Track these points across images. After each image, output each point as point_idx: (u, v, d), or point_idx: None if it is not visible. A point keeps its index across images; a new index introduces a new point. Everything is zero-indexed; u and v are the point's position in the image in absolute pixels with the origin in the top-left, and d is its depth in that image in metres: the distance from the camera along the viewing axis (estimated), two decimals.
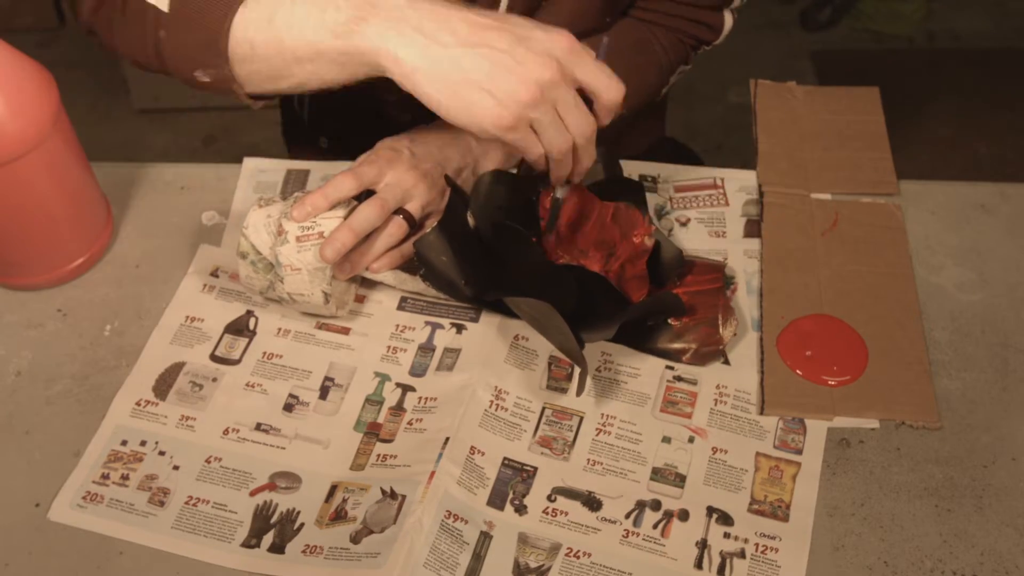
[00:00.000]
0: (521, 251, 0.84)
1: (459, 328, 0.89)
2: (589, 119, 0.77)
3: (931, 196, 0.99)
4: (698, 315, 0.88)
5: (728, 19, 1.05)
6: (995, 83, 2.45)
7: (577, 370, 0.86)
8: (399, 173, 0.86)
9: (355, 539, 0.76)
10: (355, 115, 1.09)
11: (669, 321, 0.88)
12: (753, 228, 0.96)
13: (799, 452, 0.81)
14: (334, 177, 0.85)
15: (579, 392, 0.83)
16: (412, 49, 0.73)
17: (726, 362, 0.87)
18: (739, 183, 1.00)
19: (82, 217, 0.93)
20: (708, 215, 0.98)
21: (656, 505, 0.78)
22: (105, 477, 0.80)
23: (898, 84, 1.10)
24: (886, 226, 0.96)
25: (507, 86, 0.72)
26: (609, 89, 0.76)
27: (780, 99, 1.06)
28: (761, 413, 0.84)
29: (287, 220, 0.83)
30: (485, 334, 0.88)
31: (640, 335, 0.88)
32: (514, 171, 0.92)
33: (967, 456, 0.81)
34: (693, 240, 0.95)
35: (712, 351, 0.87)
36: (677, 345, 0.87)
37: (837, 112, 1.05)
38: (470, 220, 0.88)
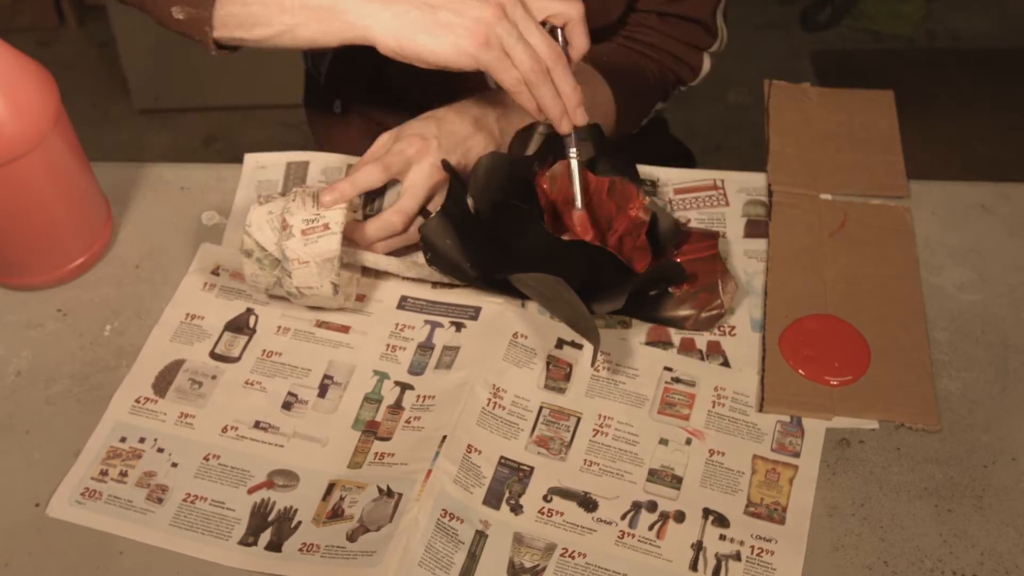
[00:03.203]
0: (524, 229, 0.85)
1: (458, 326, 0.89)
2: (550, 40, 0.82)
3: (931, 196, 0.99)
4: (698, 282, 0.89)
5: (706, 62, 1.11)
6: (995, 83, 2.45)
7: (576, 368, 0.86)
8: (426, 168, 0.88)
9: (351, 537, 0.76)
10: (366, 82, 1.13)
11: (670, 290, 0.89)
12: (753, 229, 0.97)
13: (796, 455, 0.81)
14: (363, 166, 0.87)
15: (592, 363, 0.84)
16: (392, 20, 0.80)
17: (726, 364, 0.87)
18: (739, 184, 1.00)
19: (82, 217, 0.93)
20: (708, 216, 0.98)
21: (652, 506, 0.78)
22: (103, 474, 0.81)
23: (898, 84, 1.10)
24: (894, 229, 0.95)
25: (473, 12, 0.79)
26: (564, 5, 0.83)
27: (794, 100, 1.06)
28: (760, 410, 0.84)
29: (290, 214, 0.83)
30: (484, 332, 0.88)
31: (642, 306, 0.89)
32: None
33: (967, 456, 0.81)
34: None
35: (714, 315, 0.88)
36: (680, 313, 0.88)
37: (851, 114, 1.05)
38: (469, 204, 0.88)
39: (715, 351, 0.88)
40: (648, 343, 0.89)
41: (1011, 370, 0.86)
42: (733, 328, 0.89)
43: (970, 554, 0.76)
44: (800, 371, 0.85)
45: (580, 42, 0.85)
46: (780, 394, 0.84)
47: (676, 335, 0.89)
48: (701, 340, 0.89)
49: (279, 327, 0.90)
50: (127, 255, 0.96)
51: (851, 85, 1.08)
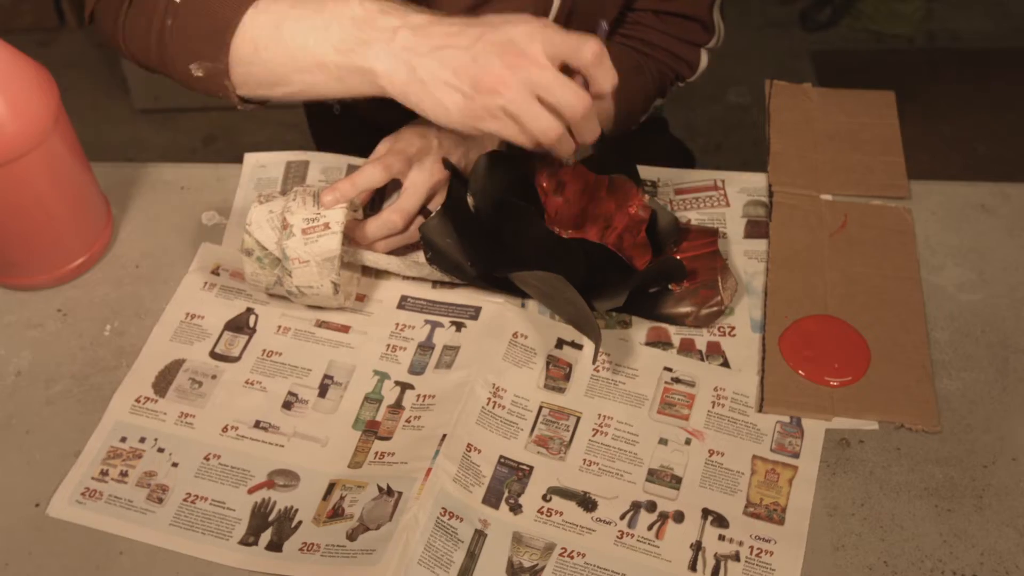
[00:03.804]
0: (525, 227, 0.85)
1: (458, 326, 0.89)
2: (576, 96, 0.74)
3: (931, 196, 0.99)
4: (697, 279, 0.89)
5: (704, 58, 1.10)
6: (995, 83, 2.45)
7: (575, 368, 0.86)
8: (427, 168, 0.89)
9: (351, 536, 0.76)
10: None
11: (670, 287, 0.89)
12: (753, 229, 0.96)
13: (796, 456, 0.81)
14: (363, 166, 0.87)
15: (594, 361, 0.84)
16: (401, 69, 0.77)
17: (725, 364, 0.87)
18: (739, 184, 1.00)
19: (82, 217, 0.93)
20: (709, 216, 0.98)
21: (651, 506, 0.78)
22: (104, 474, 0.81)
23: (898, 84, 1.10)
24: (895, 229, 0.95)
25: (470, 80, 0.74)
26: (582, 52, 0.74)
27: (795, 100, 1.06)
28: (760, 411, 0.84)
29: (291, 214, 0.84)
30: (484, 332, 0.88)
31: (642, 303, 0.89)
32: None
33: (967, 456, 0.81)
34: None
35: (714, 312, 0.88)
36: (680, 310, 0.89)
37: (852, 115, 1.04)
38: (470, 202, 0.88)
39: (715, 351, 0.88)
40: (648, 343, 0.89)
41: (1011, 370, 0.86)
42: (733, 329, 0.89)
43: (970, 554, 0.76)
44: (800, 372, 0.85)
45: (604, 80, 0.76)
46: (780, 395, 0.84)
47: (676, 335, 0.89)
48: (701, 340, 0.89)
49: (279, 327, 0.90)
50: (127, 255, 0.96)
51: (851, 85, 1.08)
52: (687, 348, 0.88)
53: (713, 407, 0.84)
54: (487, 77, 0.74)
